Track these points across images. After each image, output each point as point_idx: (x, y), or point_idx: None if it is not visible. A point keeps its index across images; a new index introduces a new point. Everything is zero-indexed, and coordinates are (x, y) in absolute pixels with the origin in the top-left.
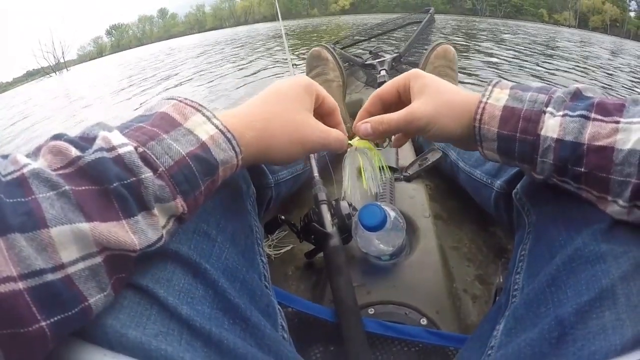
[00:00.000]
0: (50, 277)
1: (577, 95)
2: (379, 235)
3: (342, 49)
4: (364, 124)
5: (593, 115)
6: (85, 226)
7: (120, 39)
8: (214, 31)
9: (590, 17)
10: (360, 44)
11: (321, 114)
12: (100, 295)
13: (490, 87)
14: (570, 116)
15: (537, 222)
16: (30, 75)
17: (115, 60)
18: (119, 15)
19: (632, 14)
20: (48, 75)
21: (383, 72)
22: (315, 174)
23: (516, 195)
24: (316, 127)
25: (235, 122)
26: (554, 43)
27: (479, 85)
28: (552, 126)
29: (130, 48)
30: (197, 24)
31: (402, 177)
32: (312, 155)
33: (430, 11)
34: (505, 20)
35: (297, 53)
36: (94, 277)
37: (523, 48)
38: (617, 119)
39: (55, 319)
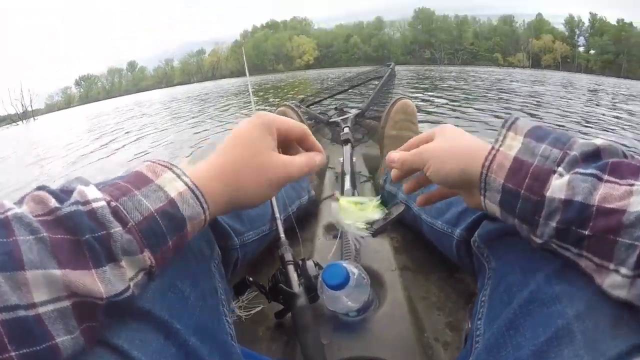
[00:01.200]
0: (22, 313)
1: (594, 155)
2: (343, 293)
3: (307, 106)
4: (393, 153)
5: (606, 176)
6: (57, 272)
7: (89, 90)
8: (182, 86)
9: (543, 56)
10: (325, 100)
11: (291, 143)
12: (67, 337)
13: (504, 131)
14: (581, 174)
15: (495, 267)
16: None
17: (82, 112)
18: (88, 66)
19: (581, 49)
20: (15, 123)
21: (347, 130)
22: (282, 234)
23: (474, 243)
24: (279, 163)
25: (204, 177)
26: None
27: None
28: (559, 186)
29: (99, 100)
30: (166, 78)
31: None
32: (278, 217)
33: (391, 66)
34: (462, 67)
35: (259, 108)
36: (62, 319)
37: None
38: (632, 181)
39: (24, 351)
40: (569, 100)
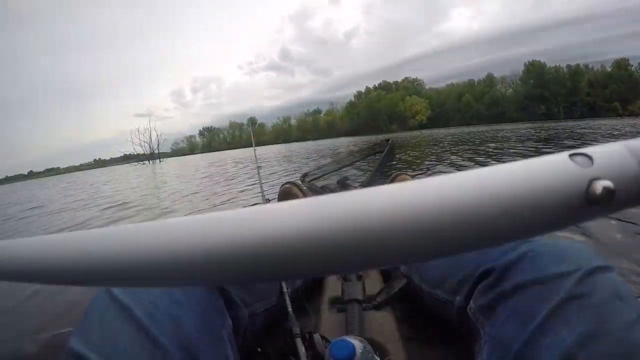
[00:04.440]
0: None
1: None
2: None
3: (309, 181)
4: None
5: None
6: None
7: (212, 140)
8: (298, 142)
9: None
10: (329, 175)
11: None
12: None
13: None
14: None
15: (490, 332)
16: (126, 159)
17: (204, 158)
18: (211, 120)
19: None
20: (142, 163)
21: None
22: (289, 308)
23: (470, 310)
24: None
25: None
26: None
27: None
28: None
29: (220, 150)
30: (283, 134)
31: (370, 306)
32: (285, 290)
33: (389, 142)
34: (578, 122)
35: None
36: None
37: None
38: None
39: None
40: None
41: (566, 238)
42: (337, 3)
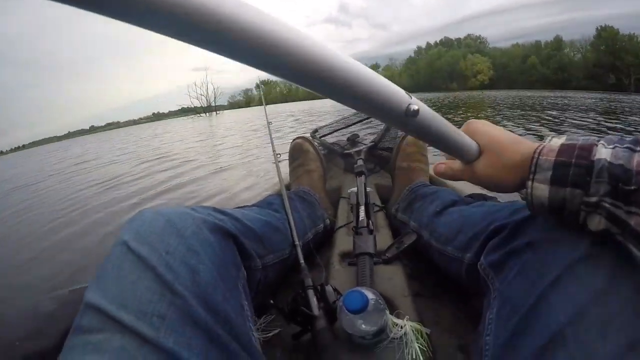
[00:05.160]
0: None
1: (630, 140)
2: (362, 317)
3: (320, 137)
4: (441, 164)
5: (638, 148)
6: None
7: (268, 94)
8: None
9: None
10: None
11: None
12: None
13: (549, 137)
14: (619, 147)
15: (500, 288)
16: (184, 112)
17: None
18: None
19: None
20: (199, 115)
21: (360, 162)
22: (301, 260)
23: (481, 266)
24: None
25: None
26: None
27: None
28: (604, 153)
29: (276, 103)
30: None
31: (380, 260)
32: (297, 243)
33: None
34: None
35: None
36: None
37: None
38: None
39: None
40: None
41: None
42: None
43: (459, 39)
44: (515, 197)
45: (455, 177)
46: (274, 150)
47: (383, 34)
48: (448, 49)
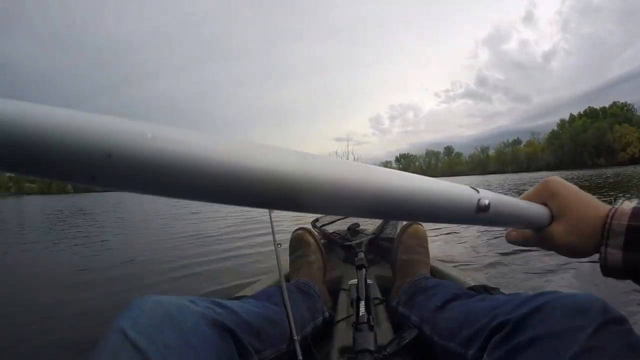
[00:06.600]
0: None
1: None
2: None
3: (320, 226)
4: (512, 232)
5: None
6: None
7: (407, 167)
8: (495, 175)
9: None
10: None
11: None
12: None
13: (620, 200)
14: None
15: None
16: None
17: None
18: (408, 146)
19: None
20: None
21: (361, 255)
22: (300, 357)
23: None
24: None
25: None
26: None
27: None
28: None
29: None
30: (480, 165)
31: (381, 356)
32: (295, 338)
33: None
34: None
35: None
36: None
37: None
38: None
39: None
40: None
41: (581, 290)
42: (531, 22)
43: (604, 107)
44: (517, 289)
45: (527, 245)
46: (274, 240)
47: (522, 107)
48: (593, 119)
